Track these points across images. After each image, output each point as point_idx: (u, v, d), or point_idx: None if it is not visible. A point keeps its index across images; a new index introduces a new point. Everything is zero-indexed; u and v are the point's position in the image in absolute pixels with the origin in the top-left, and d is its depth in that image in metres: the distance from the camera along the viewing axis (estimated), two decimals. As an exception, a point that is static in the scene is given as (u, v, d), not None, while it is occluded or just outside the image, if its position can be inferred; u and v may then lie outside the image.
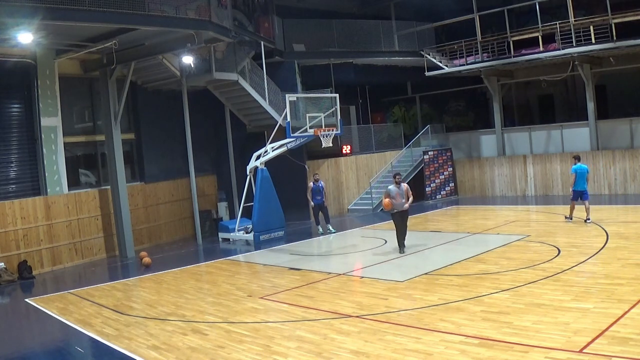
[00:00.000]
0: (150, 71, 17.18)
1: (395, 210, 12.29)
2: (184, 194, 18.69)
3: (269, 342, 7.42)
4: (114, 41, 13.50)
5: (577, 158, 14.49)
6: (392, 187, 12.42)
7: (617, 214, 15.37)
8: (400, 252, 12.38)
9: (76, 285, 12.65)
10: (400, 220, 12.41)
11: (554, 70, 20.35)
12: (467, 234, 14.19)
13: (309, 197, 16.67)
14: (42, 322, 9.82)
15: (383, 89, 25.18)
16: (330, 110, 15.68)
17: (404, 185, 12.53)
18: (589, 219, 13.85)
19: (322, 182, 16.95)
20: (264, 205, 15.94)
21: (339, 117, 15.74)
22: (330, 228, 16.60)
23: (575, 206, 14.41)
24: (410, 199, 12.47)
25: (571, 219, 14.35)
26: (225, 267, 13.24)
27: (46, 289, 12.58)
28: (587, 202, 14.07)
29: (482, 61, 20.66)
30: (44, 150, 14.78)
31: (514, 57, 19.83)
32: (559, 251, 11.01)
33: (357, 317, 8.17)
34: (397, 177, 12.63)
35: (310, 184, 16.75)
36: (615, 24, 17.27)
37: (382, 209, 12.67)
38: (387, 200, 12.31)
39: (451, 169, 22.89)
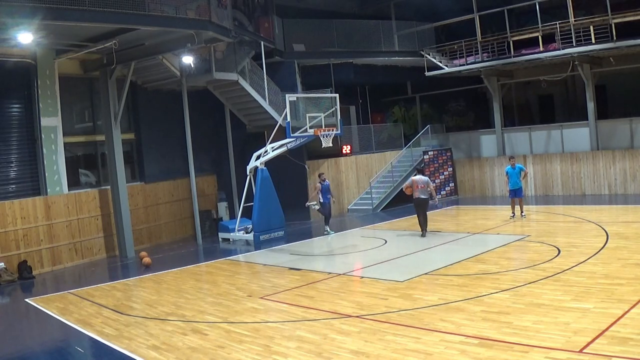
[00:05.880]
0: (150, 71, 17.18)
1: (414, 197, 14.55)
2: (184, 194, 18.68)
3: (269, 342, 7.42)
4: (114, 41, 13.48)
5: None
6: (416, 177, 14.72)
7: (617, 214, 15.37)
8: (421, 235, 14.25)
9: (76, 285, 12.64)
10: (416, 209, 14.67)
11: (554, 70, 20.35)
12: (467, 234, 14.19)
13: (320, 198, 16.33)
14: (42, 322, 9.82)
15: (383, 89, 25.17)
16: (330, 110, 15.66)
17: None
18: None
19: (328, 181, 16.88)
20: (264, 205, 15.93)
21: (339, 117, 15.72)
22: (328, 229, 16.53)
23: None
24: (434, 195, 14.63)
25: (514, 215, 15.86)
26: (225, 267, 13.24)
27: (46, 289, 12.58)
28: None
29: (482, 61, 20.65)
30: (44, 150, 14.77)
31: (514, 57, 19.82)
32: (559, 251, 11.01)
33: (357, 317, 8.17)
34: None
35: (319, 184, 16.51)
36: (615, 24, 17.27)
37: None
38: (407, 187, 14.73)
39: (451, 169, 22.89)
